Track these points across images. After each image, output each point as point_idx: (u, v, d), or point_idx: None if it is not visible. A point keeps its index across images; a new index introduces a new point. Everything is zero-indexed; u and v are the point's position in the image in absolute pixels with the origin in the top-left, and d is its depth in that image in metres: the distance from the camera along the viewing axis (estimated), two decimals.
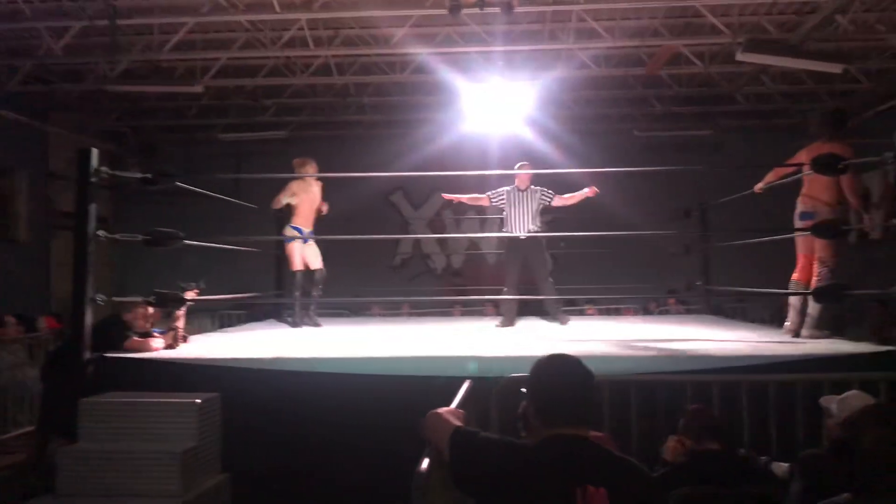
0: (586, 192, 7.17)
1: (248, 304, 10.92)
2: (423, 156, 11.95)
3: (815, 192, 5.62)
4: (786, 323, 5.95)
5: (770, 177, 6.18)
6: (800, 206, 5.75)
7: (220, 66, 10.26)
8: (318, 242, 7.63)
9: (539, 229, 7.39)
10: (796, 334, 5.68)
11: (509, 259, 7.42)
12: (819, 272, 5.45)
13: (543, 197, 7.32)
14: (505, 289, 7.36)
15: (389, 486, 3.30)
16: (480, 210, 13.84)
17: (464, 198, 7.79)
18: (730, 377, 4.12)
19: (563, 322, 7.40)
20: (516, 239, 7.28)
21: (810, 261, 5.62)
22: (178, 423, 4.20)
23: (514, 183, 7.36)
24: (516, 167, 7.35)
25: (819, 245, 5.47)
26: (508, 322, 7.35)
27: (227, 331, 8.19)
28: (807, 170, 5.50)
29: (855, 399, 3.02)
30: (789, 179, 6.00)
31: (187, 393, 4.36)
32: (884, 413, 2.37)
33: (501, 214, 7.51)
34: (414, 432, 2.44)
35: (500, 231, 7.95)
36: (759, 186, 6.30)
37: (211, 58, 10.12)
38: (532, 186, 7.33)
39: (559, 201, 7.34)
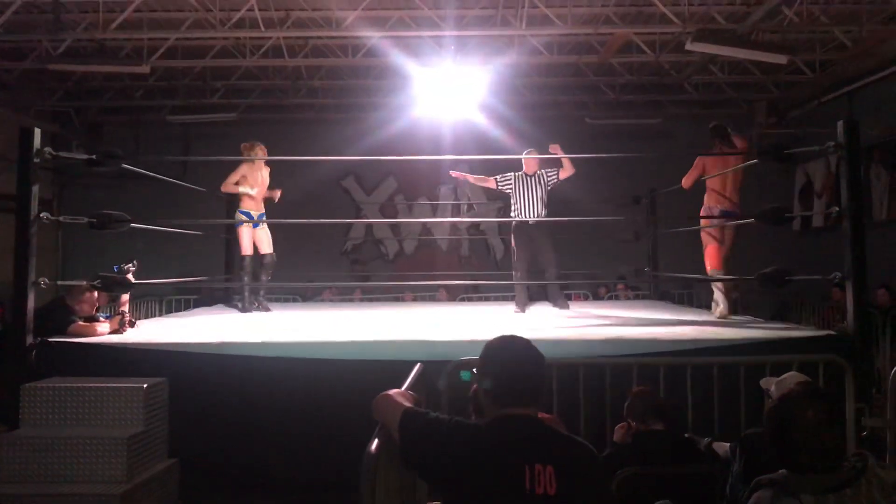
0: (558, 149, 7.29)
1: (197, 288, 10.78)
2: (375, 140, 11.88)
3: (730, 192, 6.44)
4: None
5: (694, 173, 6.70)
6: (719, 205, 6.47)
7: (168, 46, 10.05)
8: (270, 227, 7.56)
9: (548, 214, 7.44)
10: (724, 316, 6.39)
11: (519, 244, 7.48)
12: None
13: (550, 178, 7.42)
14: (517, 273, 7.45)
15: (339, 469, 3.32)
16: (433, 196, 13.88)
17: (470, 178, 7.82)
18: (675, 360, 4.22)
19: (563, 307, 7.53)
20: (525, 223, 7.35)
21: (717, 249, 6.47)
22: (124, 409, 4.15)
23: (521, 168, 7.47)
24: (524, 154, 7.50)
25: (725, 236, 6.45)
26: (521, 308, 7.41)
27: (175, 315, 8.08)
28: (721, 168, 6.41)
29: (792, 379, 3.11)
30: (711, 177, 6.55)
31: (134, 378, 4.30)
32: (813, 391, 2.44)
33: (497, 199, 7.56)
34: (364, 415, 2.44)
35: (507, 216, 8.03)
36: (687, 183, 6.79)
37: (158, 38, 9.89)
38: (538, 171, 7.43)
39: (563, 173, 7.42)
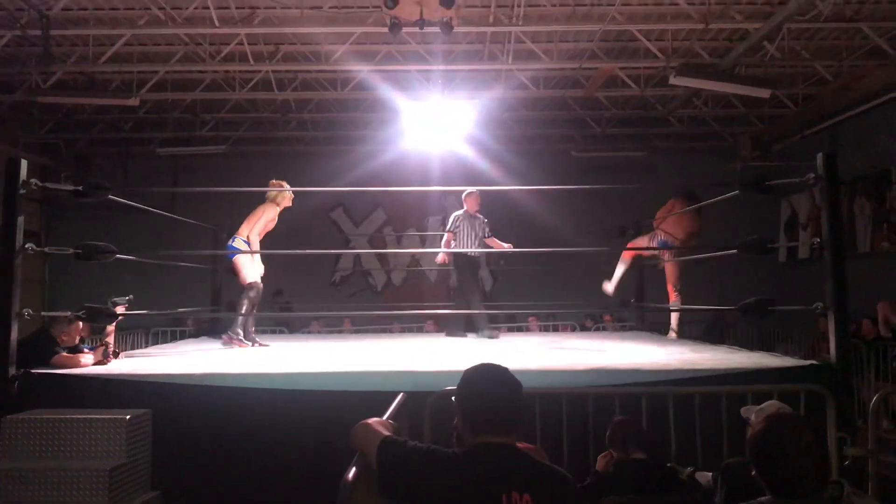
0: (506, 247, 7.90)
1: (184, 320, 10.75)
2: (364, 172, 11.95)
3: (675, 230, 7.69)
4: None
5: (663, 212, 7.96)
6: (663, 237, 7.75)
7: (158, 79, 10.12)
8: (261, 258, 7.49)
9: (482, 253, 8.15)
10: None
11: (468, 275, 8.07)
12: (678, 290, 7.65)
13: (485, 225, 8.07)
14: (479, 302, 8.03)
15: (322, 501, 3.30)
16: (421, 227, 13.93)
17: (447, 250, 8.20)
18: (657, 389, 4.23)
19: (494, 336, 7.88)
20: (470, 257, 7.99)
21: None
22: (107, 440, 4.11)
23: (464, 208, 8.06)
24: (465, 195, 8.05)
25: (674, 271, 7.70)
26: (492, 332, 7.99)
27: (160, 347, 8.04)
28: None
29: (771, 408, 3.12)
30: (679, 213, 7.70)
31: (117, 409, 4.27)
32: (795, 415, 2.47)
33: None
34: (346, 446, 2.44)
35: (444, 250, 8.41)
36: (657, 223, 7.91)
37: (148, 70, 9.98)
38: (478, 213, 8.04)
39: (491, 242, 8.04)
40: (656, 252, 7.87)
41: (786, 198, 12.81)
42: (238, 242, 7.12)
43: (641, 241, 8.13)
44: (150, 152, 12.64)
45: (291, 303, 12.59)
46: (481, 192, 8.14)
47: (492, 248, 8.04)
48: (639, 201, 9.74)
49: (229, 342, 6.98)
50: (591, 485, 3.25)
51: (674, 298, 7.70)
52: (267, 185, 7.30)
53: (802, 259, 12.06)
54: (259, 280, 7.15)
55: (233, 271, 7.21)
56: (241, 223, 7.21)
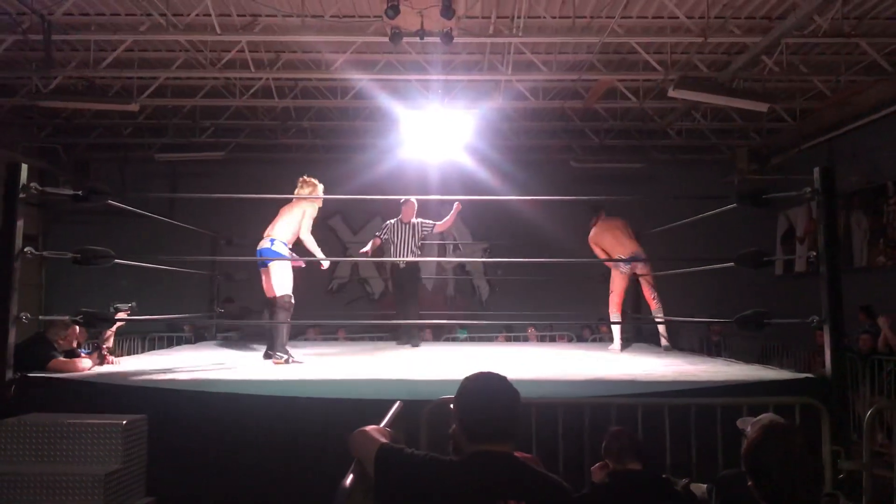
0: (455, 209, 7.92)
1: (180, 326, 10.74)
2: (363, 180, 11.96)
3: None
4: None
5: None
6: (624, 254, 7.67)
7: (158, 85, 10.15)
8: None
9: (417, 257, 8.17)
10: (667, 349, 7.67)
11: (398, 285, 8.22)
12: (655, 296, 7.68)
13: (424, 228, 8.10)
14: (415, 311, 8.14)
15: None
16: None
17: (370, 245, 8.23)
18: (653, 401, 4.24)
19: (416, 345, 8.08)
20: (399, 266, 8.08)
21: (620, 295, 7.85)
22: (103, 445, 4.11)
23: (398, 216, 8.13)
24: (402, 202, 8.11)
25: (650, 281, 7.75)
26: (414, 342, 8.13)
27: (156, 353, 8.04)
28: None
29: (768, 420, 3.13)
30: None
31: (113, 414, 4.27)
32: (790, 425, 2.48)
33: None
34: (344, 453, 2.45)
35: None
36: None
37: (148, 76, 10.00)
38: (413, 220, 8.08)
39: (439, 227, 8.16)
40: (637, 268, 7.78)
41: (783, 211, 12.85)
42: (278, 246, 6.38)
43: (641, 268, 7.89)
44: (149, 158, 12.64)
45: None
46: (481, 202, 8.16)
47: (446, 225, 8.19)
48: (637, 212, 9.76)
49: (283, 363, 6.14)
50: (586, 495, 3.26)
51: (655, 307, 7.70)
52: (266, 192, 7.24)
53: (799, 272, 12.10)
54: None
55: (264, 279, 6.55)
56: (269, 224, 6.61)
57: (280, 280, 6.33)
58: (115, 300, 5.95)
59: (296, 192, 6.77)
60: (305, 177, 6.88)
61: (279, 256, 6.33)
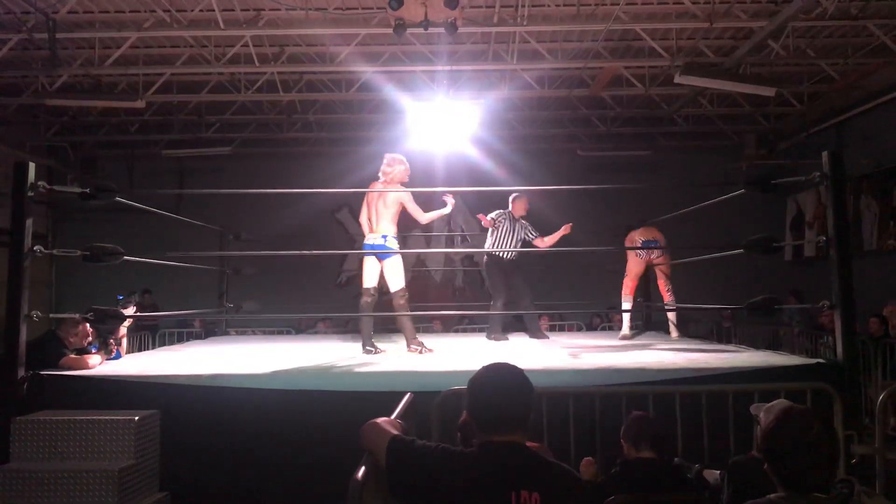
0: (563, 230, 7.72)
1: (190, 321, 10.78)
2: (370, 172, 11.88)
3: None
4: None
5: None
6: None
7: (164, 81, 10.16)
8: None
9: (518, 255, 7.90)
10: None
11: (495, 277, 7.91)
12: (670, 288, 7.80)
13: (527, 231, 7.87)
14: (498, 303, 7.81)
15: (330, 501, 3.31)
16: (428, 227, 13.89)
17: (486, 218, 7.93)
18: (664, 388, 4.23)
19: (542, 338, 7.87)
20: (499, 258, 7.82)
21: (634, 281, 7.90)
22: (115, 441, 4.14)
23: (509, 208, 7.91)
24: (512, 197, 7.91)
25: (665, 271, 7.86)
26: (497, 337, 7.83)
27: (168, 348, 8.06)
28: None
29: (781, 406, 3.12)
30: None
31: (125, 410, 4.30)
32: (807, 409, 2.47)
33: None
34: (354, 446, 2.45)
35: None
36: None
37: (154, 73, 10.01)
38: (521, 218, 7.89)
39: (537, 241, 7.85)
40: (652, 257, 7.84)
41: (791, 196, 12.78)
42: (391, 242, 6.46)
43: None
44: (156, 154, 12.67)
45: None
46: (489, 192, 8.10)
47: (538, 247, 7.89)
48: (645, 200, 9.74)
49: (419, 353, 6.34)
50: (600, 483, 3.26)
51: (668, 298, 7.75)
52: (273, 186, 7.23)
53: (808, 257, 12.04)
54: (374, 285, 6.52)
55: (368, 269, 6.52)
56: (374, 219, 6.64)
57: (397, 276, 6.46)
58: (119, 294, 5.96)
59: (381, 169, 7.00)
60: (393, 154, 7.10)
61: (393, 251, 6.48)
